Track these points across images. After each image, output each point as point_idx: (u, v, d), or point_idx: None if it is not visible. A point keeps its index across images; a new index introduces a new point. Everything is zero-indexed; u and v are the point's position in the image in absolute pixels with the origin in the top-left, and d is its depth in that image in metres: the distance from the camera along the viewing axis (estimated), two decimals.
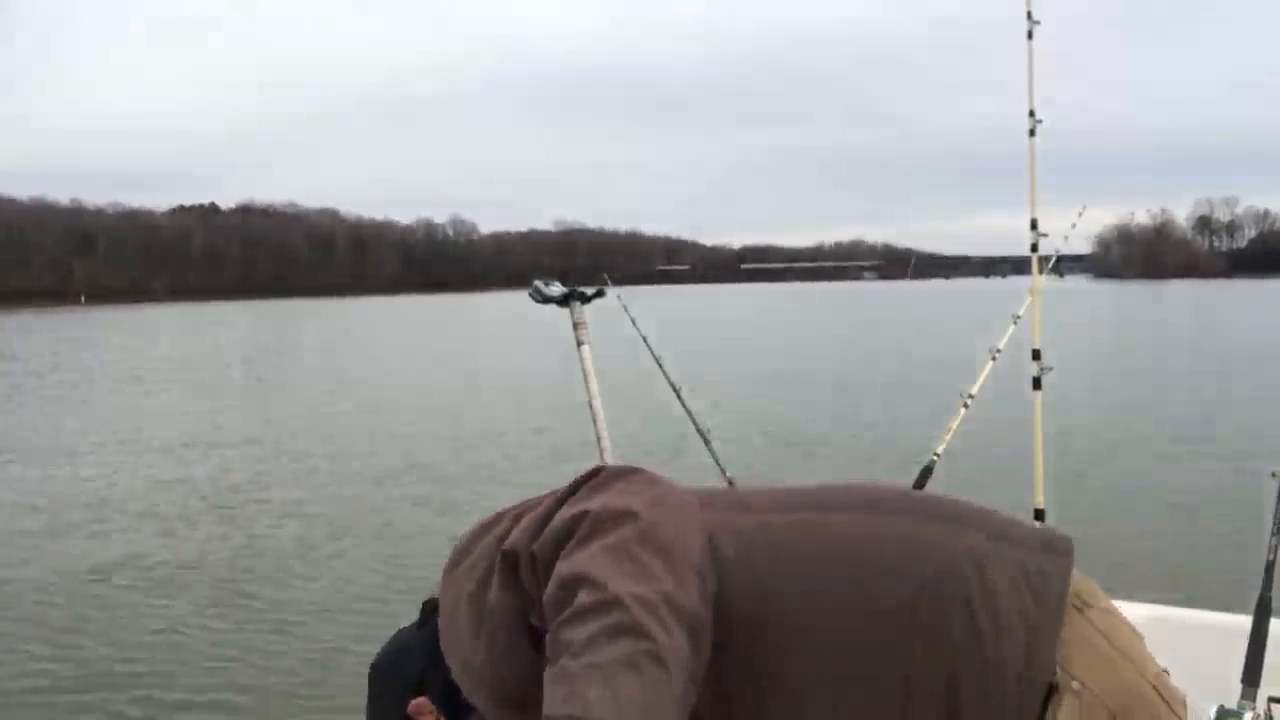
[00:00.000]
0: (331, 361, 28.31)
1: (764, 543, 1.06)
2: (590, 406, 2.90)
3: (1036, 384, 3.44)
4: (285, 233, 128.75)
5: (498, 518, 1.13)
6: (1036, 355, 3.47)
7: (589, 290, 3.03)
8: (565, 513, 1.03)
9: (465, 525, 1.16)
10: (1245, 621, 2.08)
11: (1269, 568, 2.19)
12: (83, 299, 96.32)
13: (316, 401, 18.37)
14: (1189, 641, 2.16)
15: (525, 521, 1.07)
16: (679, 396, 3.29)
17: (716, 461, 3.22)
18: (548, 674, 0.91)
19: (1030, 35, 3.45)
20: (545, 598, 0.97)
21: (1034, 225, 3.48)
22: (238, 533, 8.79)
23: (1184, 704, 1.06)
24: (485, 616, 1.05)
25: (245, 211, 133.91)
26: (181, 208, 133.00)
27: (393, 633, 1.21)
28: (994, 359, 3.51)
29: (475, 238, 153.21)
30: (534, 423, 14.63)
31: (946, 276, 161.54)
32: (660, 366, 3.35)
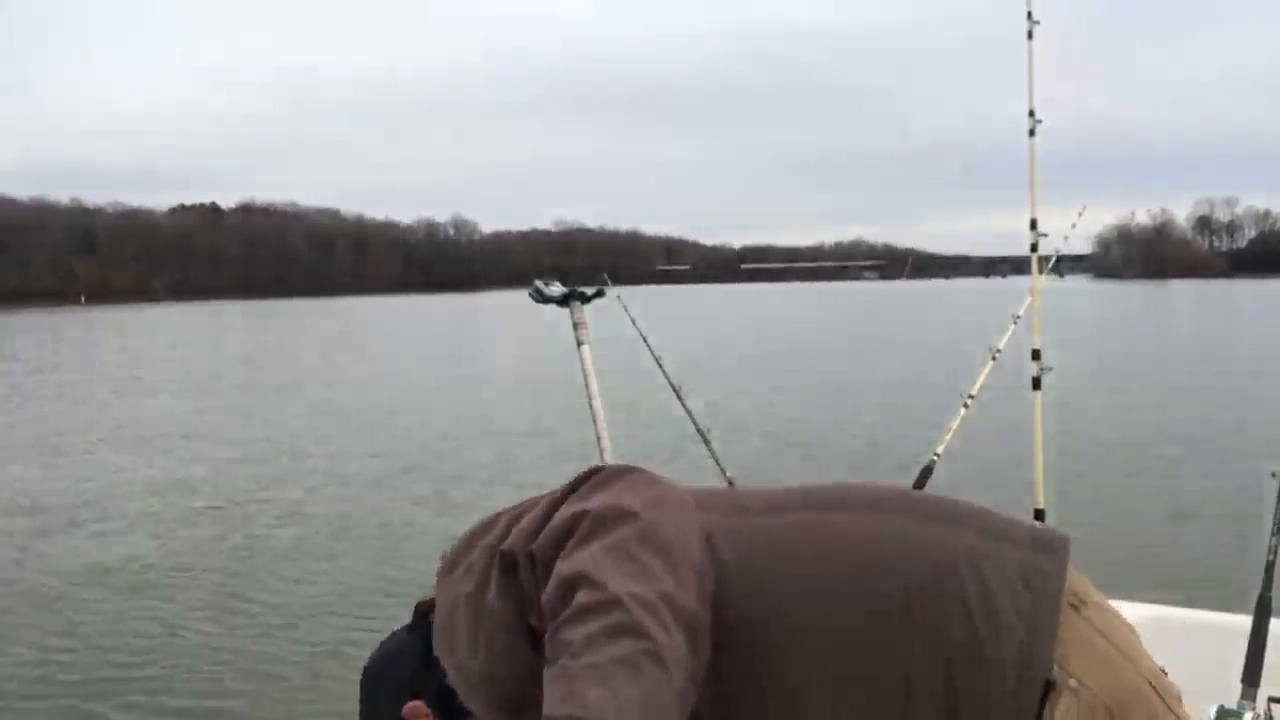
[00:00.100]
0: (331, 361, 28.31)
1: (763, 543, 1.06)
2: (590, 406, 2.90)
3: (1036, 384, 3.44)
4: (285, 232, 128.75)
5: (493, 520, 1.12)
6: (1036, 355, 3.47)
7: (589, 290, 3.03)
8: (564, 512, 1.03)
9: (465, 526, 1.16)
10: (1245, 621, 2.09)
11: (1269, 568, 2.19)
12: (83, 299, 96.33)
13: (316, 401, 18.37)
14: (1189, 641, 2.17)
15: (524, 522, 1.07)
16: (679, 396, 3.29)
17: (716, 461, 3.22)
18: (547, 674, 0.91)
19: (1030, 35, 3.45)
20: (544, 598, 0.97)
21: (1034, 225, 3.49)
22: (235, 533, 8.78)
23: (1179, 700, 1.06)
24: (484, 617, 1.05)
25: (246, 211, 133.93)
26: (182, 207, 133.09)
27: (385, 635, 1.20)
28: (994, 359, 3.51)
29: (476, 237, 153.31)
30: (534, 423, 14.63)
31: (946, 276, 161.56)
32: (660, 366, 3.35)
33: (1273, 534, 2.23)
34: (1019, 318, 3.54)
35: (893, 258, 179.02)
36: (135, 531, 8.96)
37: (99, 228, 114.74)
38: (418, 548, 8.01)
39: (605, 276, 3.53)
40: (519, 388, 19.88)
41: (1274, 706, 2.00)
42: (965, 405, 3.39)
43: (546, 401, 16.17)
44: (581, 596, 0.93)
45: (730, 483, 2.99)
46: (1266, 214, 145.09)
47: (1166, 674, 1.08)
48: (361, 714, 1.14)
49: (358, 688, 1.16)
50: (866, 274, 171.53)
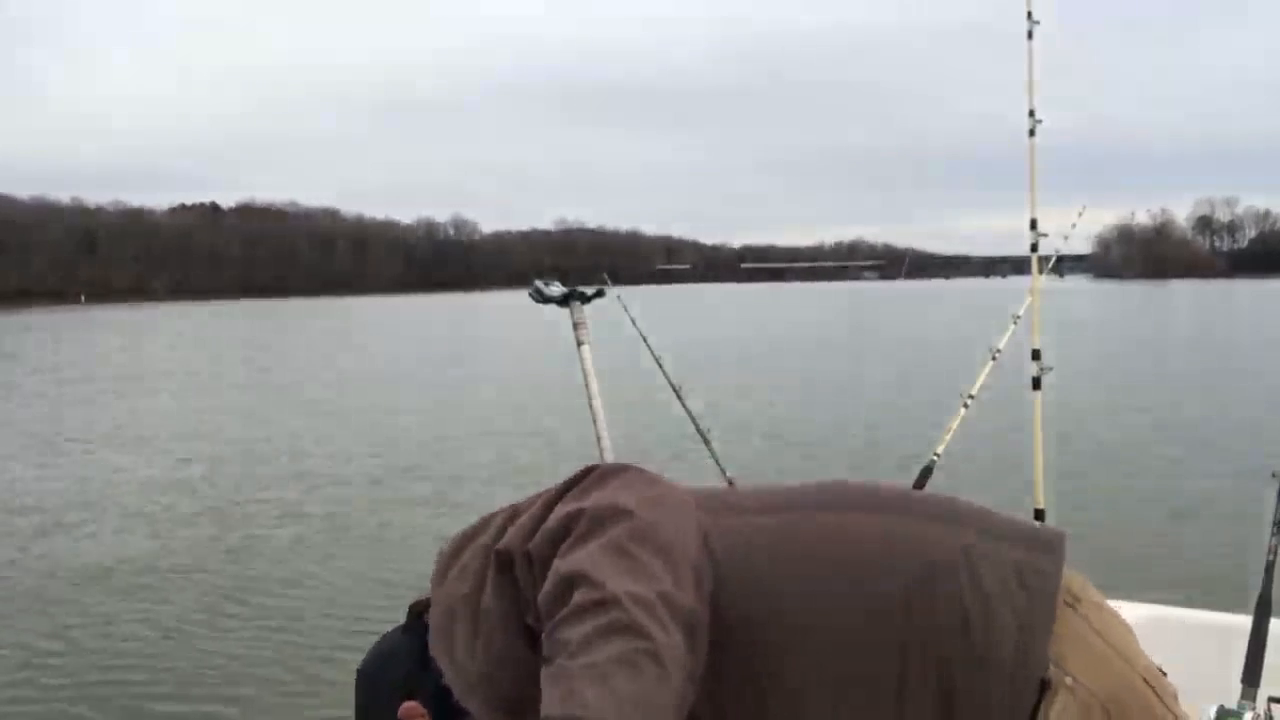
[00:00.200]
0: (331, 361, 28.31)
1: (762, 542, 1.06)
2: (590, 406, 2.90)
3: (1036, 384, 3.44)
4: (285, 232, 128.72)
5: (489, 519, 1.12)
6: (1036, 355, 3.47)
7: (589, 290, 3.03)
8: (560, 511, 1.03)
9: (464, 526, 1.16)
10: (1245, 621, 2.09)
11: (1269, 568, 2.20)
12: (83, 298, 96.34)
13: (316, 401, 18.37)
14: (1189, 641, 2.17)
15: (520, 521, 1.06)
16: (679, 396, 3.29)
17: (716, 461, 3.22)
18: (545, 674, 0.91)
19: (1030, 35, 3.46)
20: (541, 597, 0.97)
21: (1034, 225, 3.49)
22: (234, 534, 8.77)
23: (1175, 697, 1.06)
24: (481, 617, 1.04)
25: (245, 211, 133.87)
26: (182, 207, 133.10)
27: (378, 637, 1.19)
28: (994, 359, 3.51)
29: (476, 237, 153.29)
30: (534, 423, 14.63)
31: (946, 276, 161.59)
32: (660, 366, 3.35)
33: (1273, 534, 2.23)
34: (1019, 318, 3.55)
35: (892, 258, 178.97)
36: (133, 531, 8.96)
37: (99, 227, 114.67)
38: (417, 548, 8.00)
39: (605, 276, 3.53)
40: (519, 388, 19.87)
41: (1274, 706, 2.00)
42: (965, 405, 3.39)
43: (546, 401, 16.17)
44: (579, 595, 0.93)
45: (730, 482, 2.99)
46: (1267, 214, 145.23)
47: (1166, 674, 1.08)
48: (357, 715, 1.14)
49: (353, 689, 1.15)
50: (866, 274, 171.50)
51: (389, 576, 7.34)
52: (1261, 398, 16.08)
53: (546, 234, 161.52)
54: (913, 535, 1.05)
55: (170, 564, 7.86)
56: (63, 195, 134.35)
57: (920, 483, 3.04)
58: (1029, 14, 3.45)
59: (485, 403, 17.94)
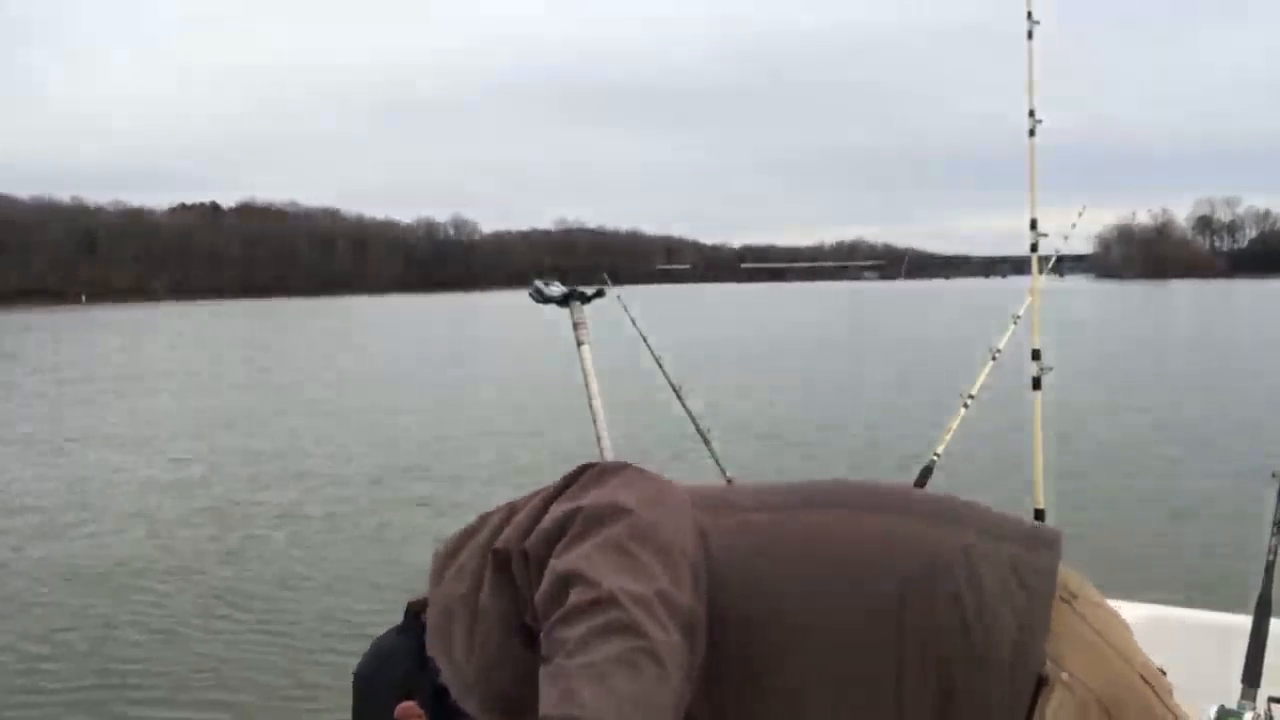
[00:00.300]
0: (331, 361, 28.31)
1: (761, 542, 1.06)
2: (590, 406, 2.90)
3: (1036, 384, 3.44)
4: (285, 232, 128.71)
5: (486, 518, 1.12)
6: (1036, 355, 3.47)
7: (589, 290, 3.03)
8: (557, 510, 1.03)
9: (462, 526, 1.16)
10: (1245, 621, 2.09)
11: (1269, 568, 2.19)
12: (83, 298, 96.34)
13: (316, 401, 18.37)
14: (1189, 641, 2.17)
15: (517, 519, 1.06)
16: (679, 396, 3.29)
17: (716, 461, 3.22)
18: (543, 673, 0.90)
19: (1030, 35, 3.46)
20: (539, 596, 0.97)
21: (1034, 225, 3.49)
22: (233, 534, 8.77)
23: (1171, 693, 1.06)
24: (478, 616, 1.04)
25: (245, 211, 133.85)
26: (182, 206, 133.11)
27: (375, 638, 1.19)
28: (994, 359, 3.51)
29: (476, 237, 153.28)
30: (534, 423, 14.63)
31: (946, 276, 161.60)
32: (660, 366, 3.35)
33: (1273, 534, 2.23)
34: (1019, 318, 3.55)
35: (892, 258, 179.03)
36: (132, 531, 8.96)
37: (99, 227, 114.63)
38: (417, 548, 8.00)
39: (605, 276, 3.52)
40: (519, 388, 19.87)
41: (1274, 706, 1.99)
42: (965, 405, 3.39)
43: (546, 401, 16.17)
44: (576, 594, 0.93)
45: (730, 482, 2.99)
46: (1267, 214, 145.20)
47: (1165, 673, 1.08)
48: (354, 715, 1.13)
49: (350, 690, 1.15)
50: (866, 274, 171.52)
51: (389, 577, 7.33)
52: (1261, 398, 16.08)
53: (546, 234, 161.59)
54: (912, 535, 1.05)
55: (169, 564, 7.85)
56: (63, 195, 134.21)
57: (920, 483, 3.04)
58: (1029, 14, 3.45)
59: (485, 403, 17.94)
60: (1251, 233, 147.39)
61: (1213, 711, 1.89)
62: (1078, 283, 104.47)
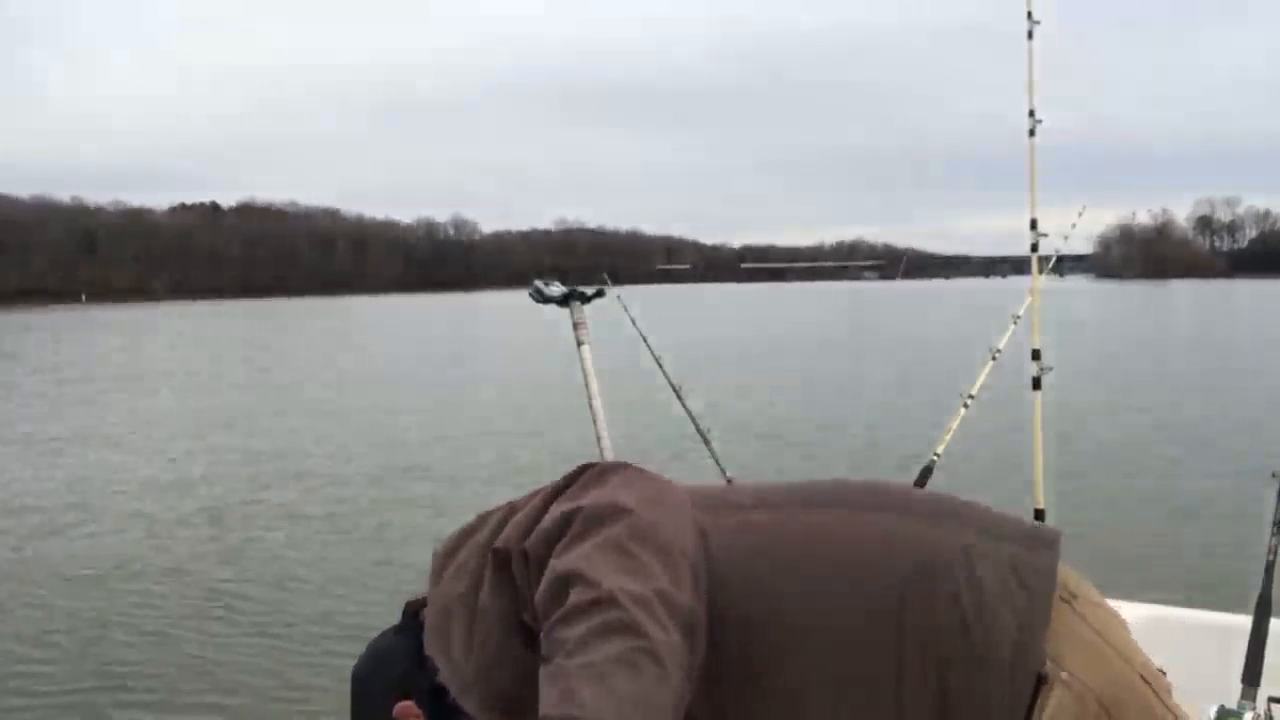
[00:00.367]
0: (331, 361, 28.31)
1: (761, 542, 1.06)
2: (590, 406, 2.90)
3: (1036, 384, 3.44)
4: (285, 232, 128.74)
5: (485, 517, 1.12)
6: (1036, 355, 3.47)
7: (589, 290, 3.03)
8: (557, 510, 1.03)
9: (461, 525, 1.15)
10: (1245, 621, 2.09)
11: (1269, 568, 2.19)
12: (83, 298, 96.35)
13: (316, 401, 18.37)
14: (1189, 641, 2.17)
15: (516, 519, 1.06)
16: (679, 396, 3.29)
17: (716, 461, 3.22)
18: (543, 673, 0.90)
19: (1030, 35, 3.46)
20: (538, 596, 0.97)
21: (1034, 225, 3.49)
22: (232, 534, 8.77)
23: (1170, 692, 1.06)
24: (478, 616, 1.04)
25: (245, 211, 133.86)
26: (182, 206, 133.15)
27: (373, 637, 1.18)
28: (994, 359, 3.51)
29: (476, 237, 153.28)
30: (534, 423, 14.63)
31: (946, 276, 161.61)
32: (660, 366, 3.35)
33: (1273, 534, 2.23)
34: (1019, 318, 3.55)
35: (892, 258, 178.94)
36: (131, 532, 8.95)
37: (99, 227, 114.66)
38: (417, 548, 7.99)
39: (605, 276, 3.52)
40: (519, 388, 19.88)
41: (1274, 706, 1.99)
42: (965, 405, 3.39)
43: (546, 401, 16.17)
44: (575, 594, 0.92)
45: (730, 482, 2.99)
46: (1267, 214, 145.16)
47: (1165, 673, 1.08)
48: (352, 715, 1.13)
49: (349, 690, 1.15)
50: (866, 274, 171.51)
51: (388, 577, 7.33)
52: (1261, 398, 16.08)
53: (546, 234, 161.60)
54: (912, 535, 1.05)
55: (168, 565, 7.84)
56: (63, 195, 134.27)
57: (920, 483, 3.04)
58: (1029, 14, 3.45)
59: (485, 403, 17.94)
60: (1251, 233, 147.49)
61: (1213, 711, 1.89)
62: (1078, 283, 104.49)
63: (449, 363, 26.97)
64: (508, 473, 11.19)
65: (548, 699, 0.87)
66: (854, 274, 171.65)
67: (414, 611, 1.12)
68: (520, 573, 1.02)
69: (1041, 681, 0.98)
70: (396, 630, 1.13)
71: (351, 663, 1.14)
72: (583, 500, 1.02)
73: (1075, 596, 1.05)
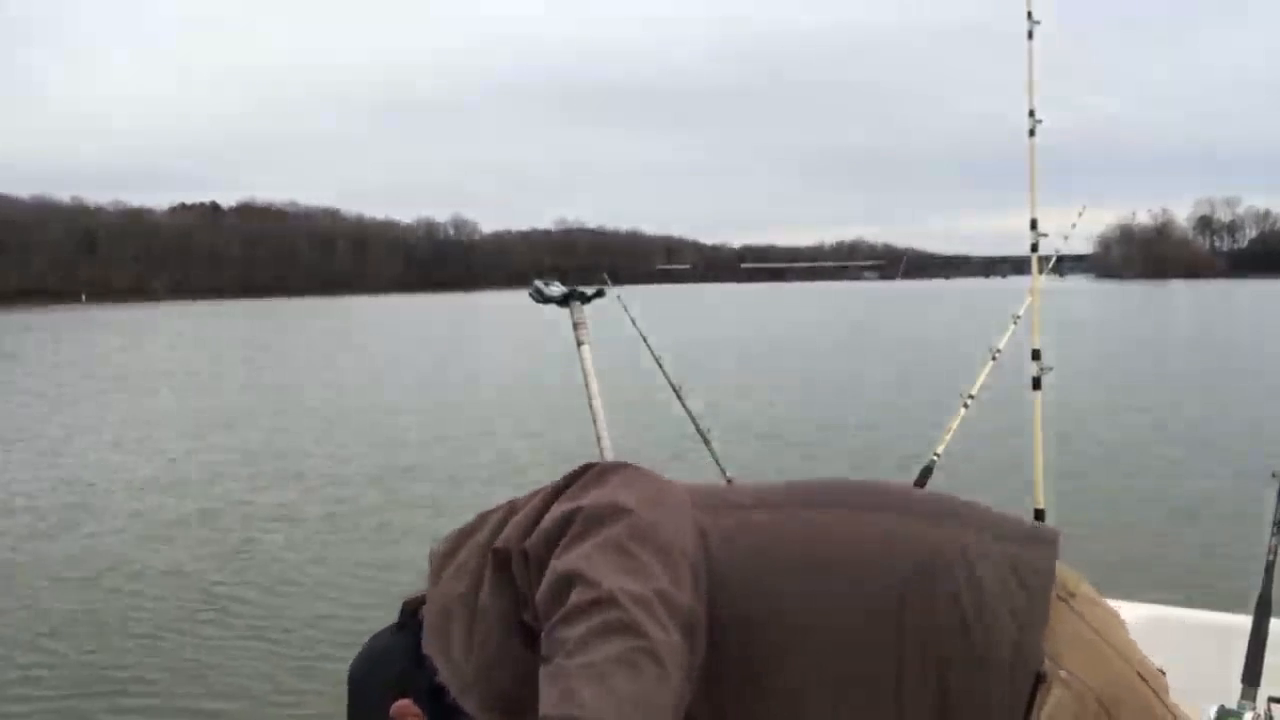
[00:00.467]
0: (331, 361, 28.31)
1: (761, 542, 1.06)
2: (590, 406, 2.90)
3: (1036, 384, 3.44)
4: (285, 232, 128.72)
5: (483, 519, 1.12)
6: (1036, 355, 3.48)
7: (589, 290, 3.03)
8: (557, 510, 1.03)
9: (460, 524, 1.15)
10: (1245, 621, 2.09)
11: (1269, 568, 2.19)
12: (83, 298, 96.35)
13: (316, 401, 18.36)
14: (1189, 641, 2.17)
15: (516, 519, 1.06)
16: (679, 396, 3.29)
17: (716, 461, 3.22)
18: (543, 673, 0.90)
19: (1030, 35, 3.46)
20: (539, 596, 0.97)
21: (1034, 225, 3.49)
22: (231, 535, 8.75)
23: (1168, 691, 1.07)
24: (478, 615, 1.04)
25: (245, 211, 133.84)
26: (182, 206, 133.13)
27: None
28: (994, 359, 3.51)
29: (476, 237, 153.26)
30: (533, 423, 14.63)
31: (946, 276, 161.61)
32: (660, 366, 3.35)
33: (1273, 534, 2.23)
34: (1019, 318, 3.55)
35: (893, 258, 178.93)
36: (130, 532, 8.94)
37: (99, 227, 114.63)
38: (416, 549, 7.98)
39: (605, 276, 3.53)
40: (519, 388, 19.88)
41: (1274, 706, 1.99)
42: (965, 405, 3.39)
43: (546, 401, 16.17)
44: (576, 594, 0.93)
45: (730, 482, 2.99)
46: (1267, 214, 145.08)
47: (1164, 673, 1.08)
48: (350, 714, 1.13)
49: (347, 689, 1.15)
50: (867, 274, 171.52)
51: (388, 577, 7.32)
52: (1261, 398, 16.08)
53: (546, 234, 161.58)
54: (912, 535, 1.05)
55: (167, 565, 7.83)
56: (63, 195, 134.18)
57: (920, 483, 3.04)
58: (1029, 14, 3.45)
59: (485, 403, 17.93)
60: (1251, 233, 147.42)
61: (1213, 711, 1.89)
62: (1078, 283, 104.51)
63: (449, 363, 26.97)
64: (508, 473, 11.19)
65: (548, 699, 0.87)
66: (854, 274, 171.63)
67: (412, 610, 1.12)
68: (520, 573, 1.02)
69: (1040, 679, 0.99)
70: (395, 629, 1.13)
71: (348, 663, 1.14)
72: (583, 500, 1.02)
73: (1073, 595, 1.05)
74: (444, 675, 1.05)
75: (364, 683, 1.12)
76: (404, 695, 1.07)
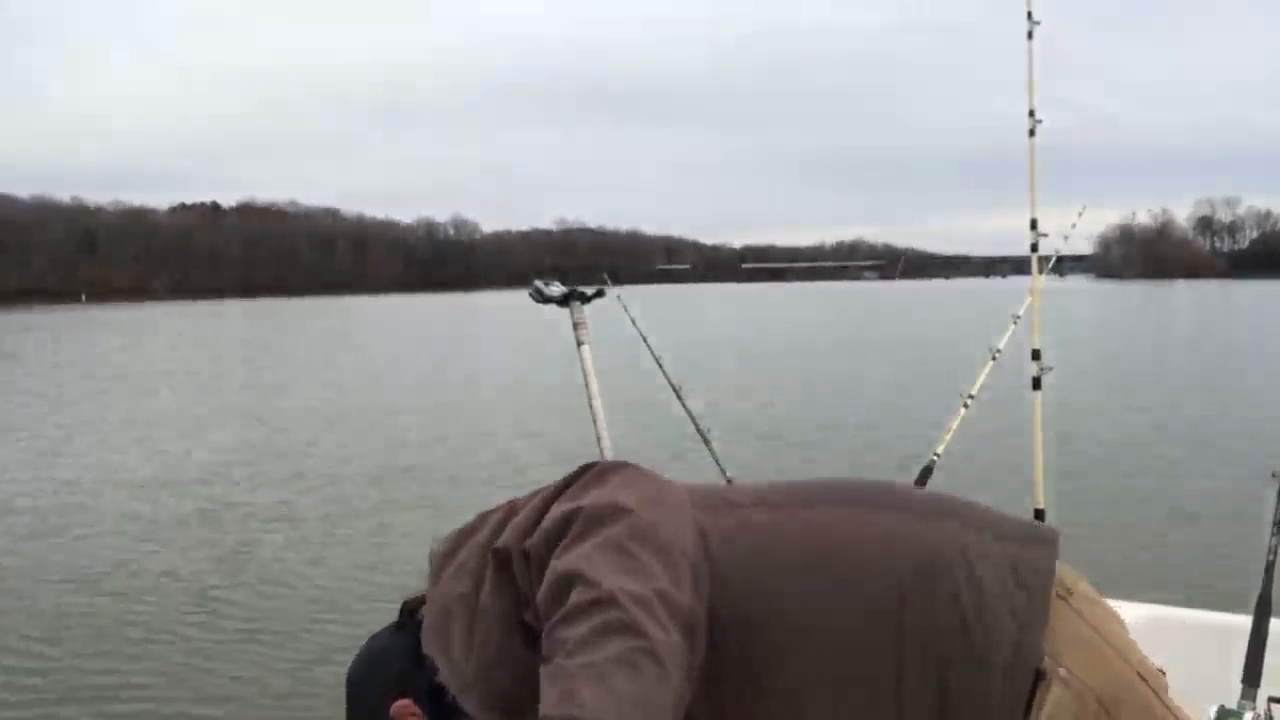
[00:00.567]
0: (331, 361, 28.31)
1: (761, 542, 1.06)
2: (590, 406, 2.91)
3: (1036, 384, 3.44)
4: (285, 232, 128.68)
5: (483, 519, 1.12)
6: (1036, 355, 3.48)
7: (589, 290, 3.03)
8: (558, 510, 1.03)
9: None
10: (1245, 621, 2.09)
11: (1269, 568, 2.19)
12: (83, 298, 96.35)
13: (314, 401, 18.36)
14: (1189, 641, 2.17)
15: (518, 518, 1.06)
16: (679, 396, 3.29)
17: (716, 461, 3.22)
18: (544, 673, 0.90)
19: (1030, 35, 3.46)
20: (539, 596, 0.97)
21: (1034, 225, 3.49)
22: (231, 535, 8.75)
23: (1167, 690, 1.07)
24: (478, 615, 1.04)
25: (245, 211, 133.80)
26: (183, 206, 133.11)
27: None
28: (994, 359, 3.52)
29: (476, 237, 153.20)
30: (533, 423, 14.63)
31: (946, 276, 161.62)
32: (660, 366, 3.35)
33: (1273, 534, 2.23)
34: (1019, 318, 3.55)
35: (892, 258, 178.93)
36: (129, 532, 8.94)
37: (99, 227, 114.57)
38: (416, 549, 7.97)
39: (605, 276, 3.53)
40: (519, 388, 19.88)
41: (1274, 706, 1.99)
42: (965, 405, 3.40)
43: (546, 401, 16.17)
44: (576, 594, 0.93)
45: (730, 482, 2.99)
46: (1268, 214, 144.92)
47: (1164, 673, 1.08)
48: (349, 714, 1.13)
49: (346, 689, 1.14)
50: (867, 274, 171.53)
51: (388, 577, 7.32)
52: (1262, 398, 16.09)
53: (546, 234, 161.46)
54: (912, 534, 1.05)
55: (166, 565, 7.82)
56: (63, 195, 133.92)
57: (920, 483, 3.04)
58: (1029, 14, 3.46)
59: (485, 403, 17.93)
60: (1252, 233, 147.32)
61: (1213, 711, 1.89)
62: (1078, 283, 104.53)
63: (449, 363, 26.97)
64: (508, 473, 11.19)
65: (548, 699, 0.87)
66: (854, 274, 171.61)
67: (411, 610, 1.12)
68: (521, 573, 1.02)
69: (1040, 678, 0.99)
70: (393, 629, 1.13)
71: (349, 661, 1.14)
72: (583, 500, 1.02)
73: (1071, 593, 1.05)
74: (444, 675, 1.05)
75: (363, 683, 1.12)
76: (403, 695, 1.07)
